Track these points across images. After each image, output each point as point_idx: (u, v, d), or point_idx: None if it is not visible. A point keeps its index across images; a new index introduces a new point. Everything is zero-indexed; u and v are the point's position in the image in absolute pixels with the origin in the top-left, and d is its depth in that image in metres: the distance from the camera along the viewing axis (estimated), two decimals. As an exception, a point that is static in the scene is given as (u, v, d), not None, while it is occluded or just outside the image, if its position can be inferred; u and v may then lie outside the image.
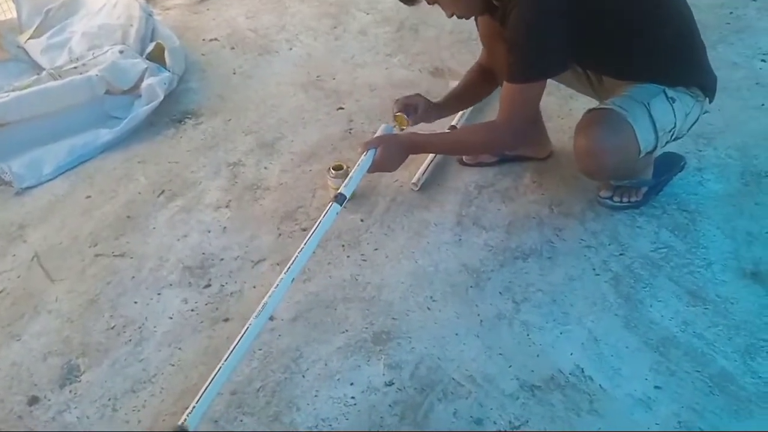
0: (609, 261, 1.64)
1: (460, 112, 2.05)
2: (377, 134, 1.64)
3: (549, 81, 1.52)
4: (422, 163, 1.92)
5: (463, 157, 1.95)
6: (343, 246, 1.74)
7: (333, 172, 1.83)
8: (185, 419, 1.16)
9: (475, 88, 1.79)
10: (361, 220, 1.81)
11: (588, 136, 1.51)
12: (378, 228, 1.77)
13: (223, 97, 2.36)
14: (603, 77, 1.63)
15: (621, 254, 1.65)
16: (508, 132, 1.54)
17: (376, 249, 1.71)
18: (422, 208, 1.83)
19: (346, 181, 1.56)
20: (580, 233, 1.72)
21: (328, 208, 1.49)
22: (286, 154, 2.07)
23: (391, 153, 1.59)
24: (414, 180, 1.87)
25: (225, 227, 1.82)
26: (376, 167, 1.60)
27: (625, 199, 1.74)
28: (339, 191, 1.52)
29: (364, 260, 1.69)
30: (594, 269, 1.62)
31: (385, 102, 2.26)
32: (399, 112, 1.74)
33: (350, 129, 2.17)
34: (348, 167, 1.82)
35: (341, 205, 1.51)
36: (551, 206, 1.82)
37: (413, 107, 1.75)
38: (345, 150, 2.06)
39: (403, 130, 1.74)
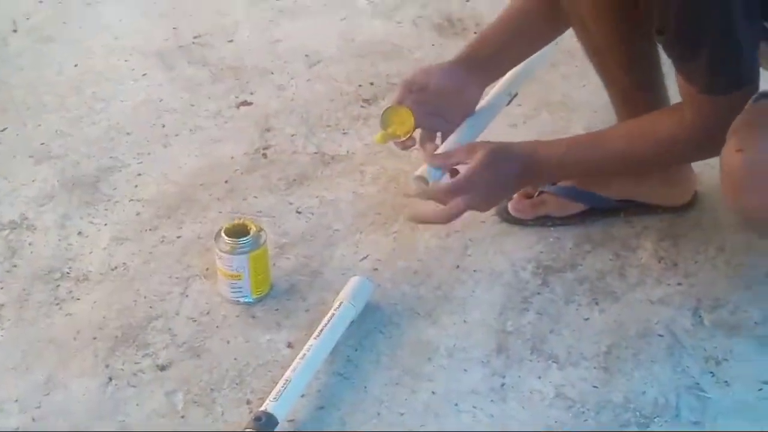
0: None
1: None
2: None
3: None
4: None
5: (509, 206, 2.02)
6: (248, 402, 1.68)
7: (227, 240, 1.82)
8: None
9: (530, 21, 1.92)
10: (289, 346, 1.78)
11: (749, 141, 1.58)
12: (328, 364, 1.74)
13: (-13, 80, 2.49)
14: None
15: None
16: (702, 134, 1.70)
17: (320, 407, 1.68)
18: (422, 317, 1.84)
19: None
20: (758, 368, 1.73)
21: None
22: (126, 203, 2.11)
23: (496, 180, 1.77)
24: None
25: (-10, 363, 1.81)
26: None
27: None
28: None
29: (294, 435, 1.65)
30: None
31: (343, 91, 2.37)
32: (400, 103, 1.82)
33: (266, 147, 2.23)
34: (259, 230, 1.84)
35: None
36: (698, 310, 1.84)
37: (425, 89, 1.84)
38: (255, 192, 2.10)
39: (404, 140, 1.85)
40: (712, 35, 1.59)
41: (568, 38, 2.13)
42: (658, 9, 1.62)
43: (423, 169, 1.83)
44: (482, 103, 1.90)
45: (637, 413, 1.66)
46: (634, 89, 1.88)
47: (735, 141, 1.60)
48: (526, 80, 1.99)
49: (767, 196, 1.58)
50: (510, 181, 1.81)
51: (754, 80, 1.67)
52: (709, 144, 1.68)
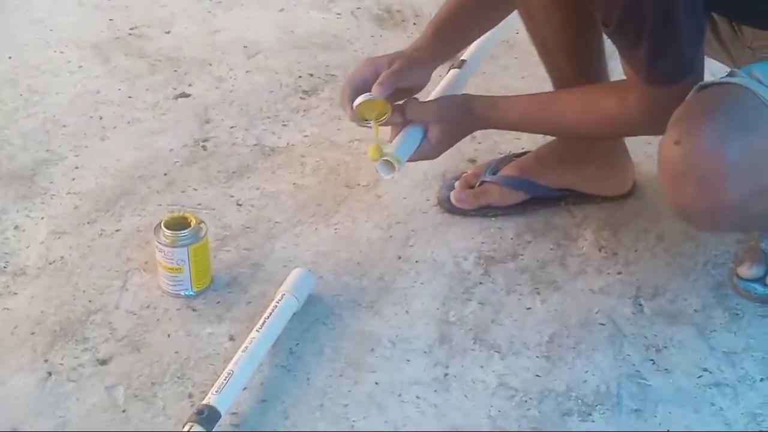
0: (763, 415, 1.65)
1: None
2: (358, 102, 1.80)
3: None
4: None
5: (451, 195, 2.05)
6: (189, 396, 1.67)
7: (167, 232, 1.81)
8: None
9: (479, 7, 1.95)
10: (231, 339, 1.78)
11: (687, 133, 1.59)
12: (271, 356, 1.74)
13: None
14: (742, 27, 1.77)
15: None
16: (644, 117, 1.74)
17: (263, 400, 1.68)
18: (364, 309, 1.85)
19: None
20: (698, 356, 1.75)
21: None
22: (63, 196, 2.11)
23: (453, 131, 1.87)
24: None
25: (-76, 361, 1.79)
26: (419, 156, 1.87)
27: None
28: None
29: (237, 427, 1.64)
30: (733, 435, 1.65)
31: (283, 83, 2.41)
32: (366, 96, 1.81)
33: (205, 140, 2.25)
34: (200, 223, 1.84)
35: None
36: (638, 298, 1.85)
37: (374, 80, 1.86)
38: (194, 184, 2.11)
39: (380, 122, 1.85)
40: (652, 28, 1.63)
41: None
42: (602, 2, 1.66)
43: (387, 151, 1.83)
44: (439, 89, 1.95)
45: (579, 401, 1.67)
46: (577, 76, 1.92)
47: (673, 133, 1.63)
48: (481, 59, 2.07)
49: (704, 186, 1.60)
50: (462, 130, 1.90)
51: (697, 73, 1.70)
52: (650, 127, 1.75)
